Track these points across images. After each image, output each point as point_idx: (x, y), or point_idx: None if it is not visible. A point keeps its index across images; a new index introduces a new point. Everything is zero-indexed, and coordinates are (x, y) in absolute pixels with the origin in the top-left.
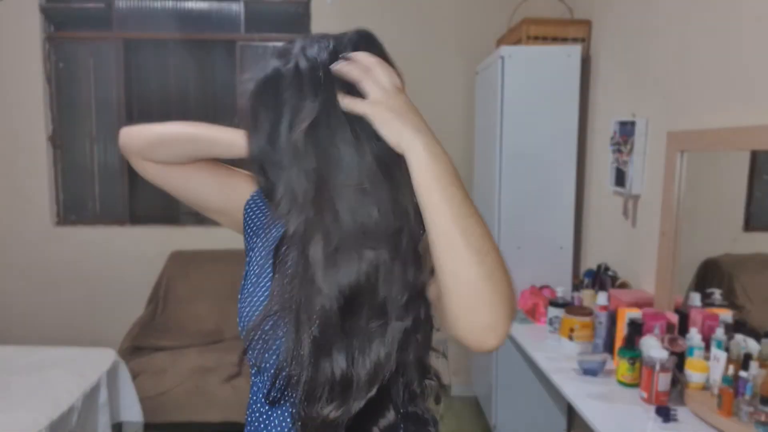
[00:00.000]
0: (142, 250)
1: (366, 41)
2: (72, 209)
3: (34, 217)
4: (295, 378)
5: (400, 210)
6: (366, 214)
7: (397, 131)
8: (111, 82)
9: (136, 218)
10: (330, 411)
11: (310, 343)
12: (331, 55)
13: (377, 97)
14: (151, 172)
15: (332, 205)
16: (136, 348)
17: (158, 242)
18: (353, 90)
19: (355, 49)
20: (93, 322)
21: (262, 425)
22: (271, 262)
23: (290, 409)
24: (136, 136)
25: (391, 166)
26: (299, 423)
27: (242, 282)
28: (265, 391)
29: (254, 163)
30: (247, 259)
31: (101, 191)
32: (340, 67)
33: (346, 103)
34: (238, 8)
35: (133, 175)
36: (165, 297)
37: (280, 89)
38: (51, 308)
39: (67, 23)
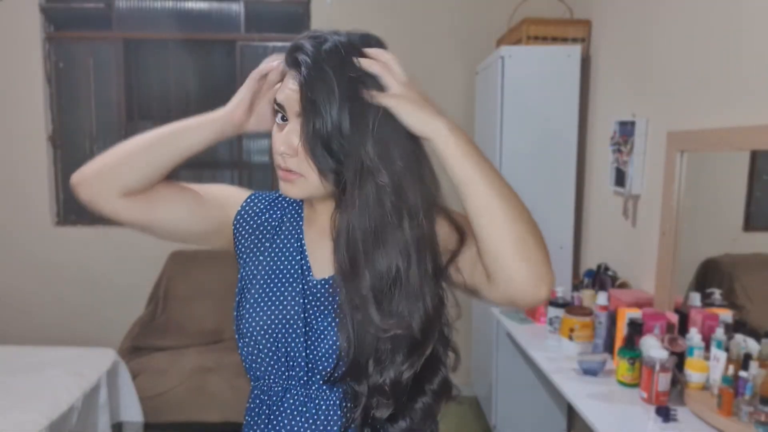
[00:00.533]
0: (142, 250)
1: (376, 42)
2: (72, 209)
3: (34, 217)
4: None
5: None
6: (410, 195)
7: (422, 120)
8: (111, 82)
9: None
10: (402, 369)
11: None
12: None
13: (399, 90)
14: (127, 209)
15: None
16: (136, 348)
17: (158, 242)
18: (372, 83)
19: (367, 46)
20: (93, 322)
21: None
22: (287, 266)
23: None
24: (94, 169)
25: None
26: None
27: (242, 288)
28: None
29: (315, 143)
30: (246, 262)
31: None
32: (362, 61)
33: (372, 96)
34: (238, 8)
35: None
36: (165, 297)
37: (335, 78)
38: (51, 308)
39: (67, 23)
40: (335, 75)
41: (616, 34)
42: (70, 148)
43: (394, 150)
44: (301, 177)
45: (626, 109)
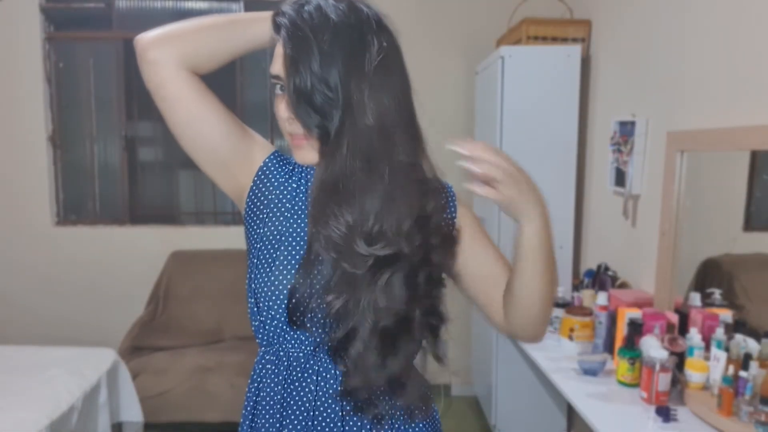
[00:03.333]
0: (142, 250)
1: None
2: (72, 209)
3: (34, 217)
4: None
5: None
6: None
7: (523, 211)
8: (111, 82)
9: (136, 218)
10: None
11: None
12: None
13: (508, 186)
14: (182, 83)
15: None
16: (136, 348)
17: (158, 242)
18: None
19: (379, 24)
20: (93, 322)
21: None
22: (300, 224)
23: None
24: (169, 31)
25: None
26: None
27: (254, 251)
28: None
29: (300, 97)
30: (254, 226)
31: (101, 191)
32: (468, 167)
33: (480, 191)
34: (237, 8)
35: (133, 175)
36: (165, 297)
37: (314, 34)
38: (51, 308)
39: (67, 23)
40: (315, 31)
41: (615, 34)
42: (70, 148)
43: (386, 97)
44: (308, 139)
45: (626, 109)
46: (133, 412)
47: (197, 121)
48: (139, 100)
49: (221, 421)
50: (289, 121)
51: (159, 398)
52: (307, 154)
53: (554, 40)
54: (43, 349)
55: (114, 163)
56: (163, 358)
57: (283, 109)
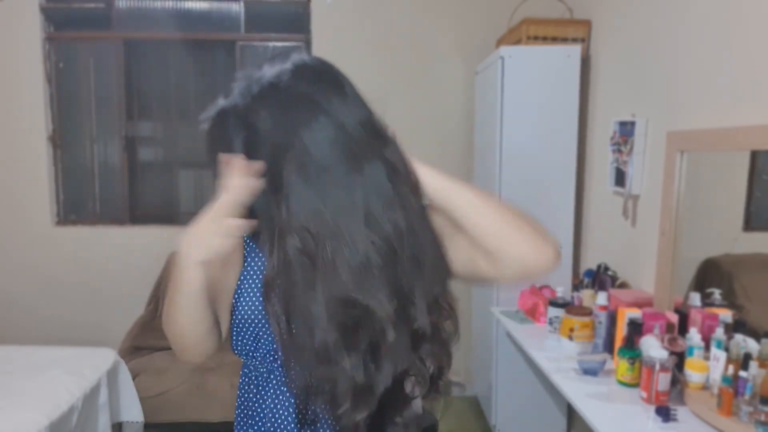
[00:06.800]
0: (142, 250)
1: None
2: (72, 209)
3: (34, 217)
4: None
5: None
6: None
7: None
8: (111, 82)
9: (136, 218)
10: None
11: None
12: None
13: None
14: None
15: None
16: (136, 348)
17: (158, 242)
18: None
19: (317, 76)
20: (93, 322)
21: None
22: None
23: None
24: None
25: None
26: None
27: (241, 279)
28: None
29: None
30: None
31: (101, 191)
32: None
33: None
34: (238, 8)
35: (133, 175)
36: (165, 297)
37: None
38: (51, 308)
39: (67, 23)
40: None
41: (615, 34)
42: (70, 148)
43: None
44: None
45: (626, 109)
46: (133, 412)
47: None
48: (139, 100)
49: (221, 421)
50: None
51: (159, 398)
52: None
53: (554, 40)
54: (43, 349)
55: (114, 163)
56: (163, 358)
57: None
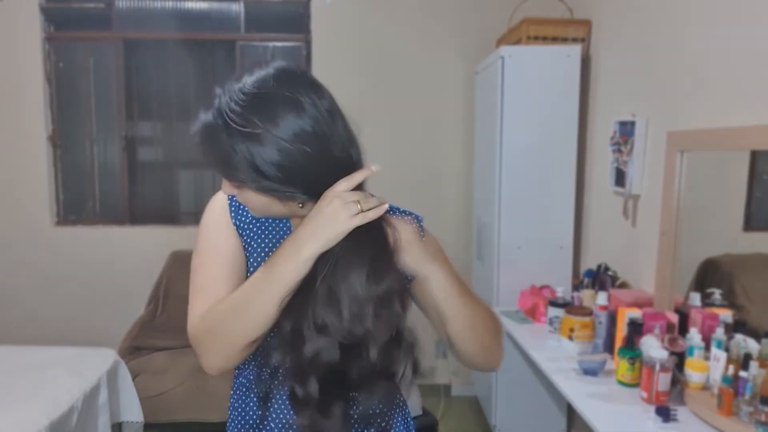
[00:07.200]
0: (142, 250)
1: (288, 77)
2: (72, 209)
3: (34, 217)
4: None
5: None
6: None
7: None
8: (111, 82)
9: (136, 218)
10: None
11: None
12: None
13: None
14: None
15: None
16: (136, 348)
17: (158, 242)
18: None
19: (279, 83)
20: (93, 322)
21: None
22: None
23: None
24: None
25: None
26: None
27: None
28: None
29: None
30: (248, 253)
31: (101, 191)
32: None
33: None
34: (238, 8)
35: (133, 175)
36: (165, 297)
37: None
38: (51, 308)
39: (67, 23)
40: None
41: (615, 34)
42: (70, 148)
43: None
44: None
45: (626, 109)
46: (133, 413)
47: None
48: (139, 100)
49: (221, 421)
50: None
51: (159, 398)
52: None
53: (554, 40)
54: (43, 349)
55: (114, 163)
56: (162, 358)
57: (254, 198)
